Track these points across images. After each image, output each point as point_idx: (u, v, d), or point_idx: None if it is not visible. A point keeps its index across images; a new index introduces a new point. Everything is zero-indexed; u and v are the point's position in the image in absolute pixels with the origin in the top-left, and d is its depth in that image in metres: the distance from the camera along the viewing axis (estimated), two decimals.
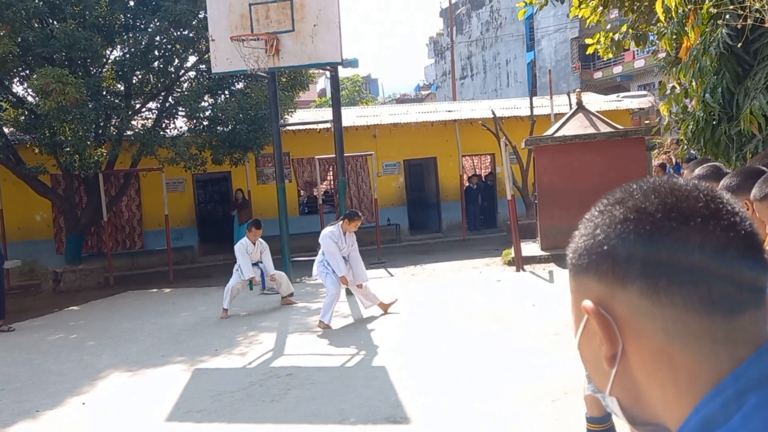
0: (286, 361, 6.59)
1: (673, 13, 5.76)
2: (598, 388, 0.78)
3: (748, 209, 2.40)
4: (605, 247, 0.72)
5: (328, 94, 46.39)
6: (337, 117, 9.90)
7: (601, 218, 0.75)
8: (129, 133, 12.62)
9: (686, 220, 0.70)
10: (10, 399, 5.95)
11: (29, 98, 12.81)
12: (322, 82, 52.15)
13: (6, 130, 12.87)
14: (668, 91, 7.04)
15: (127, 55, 12.40)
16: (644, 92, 23.25)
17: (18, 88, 13.36)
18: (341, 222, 8.01)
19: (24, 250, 14.13)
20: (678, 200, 0.71)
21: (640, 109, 18.86)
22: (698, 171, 3.29)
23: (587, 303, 0.72)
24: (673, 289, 0.68)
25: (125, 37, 12.60)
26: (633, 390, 0.73)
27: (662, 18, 5.98)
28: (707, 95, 5.61)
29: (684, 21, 5.85)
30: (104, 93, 12.54)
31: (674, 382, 0.70)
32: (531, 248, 11.81)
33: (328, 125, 10.76)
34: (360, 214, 8.66)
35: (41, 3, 11.56)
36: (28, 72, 12.28)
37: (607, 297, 0.72)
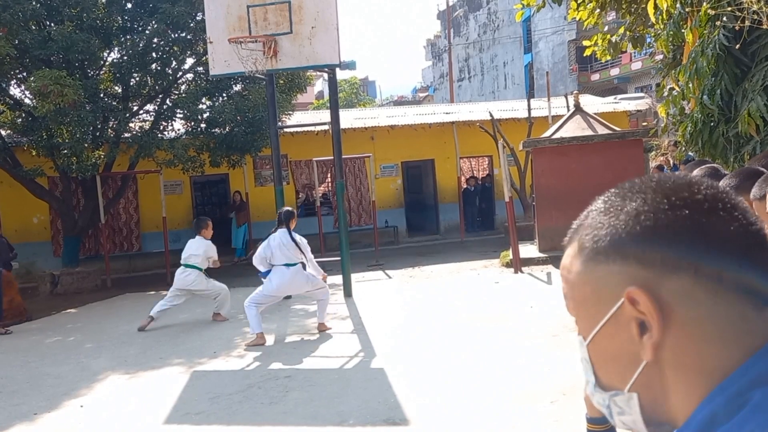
0: (284, 362, 6.58)
1: (663, 14, 5.77)
2: (610, 386, 0.76)
3: None
4: (655, 233, 0.70)
5: (326, 96, 46.39)
6: (335, 119, 9.91)
7: (639, 204, 0.73)
8: (127, 135, 12.59)
9: (731, 210, 0.71)
10: (7, 402, 5.93)
11: (26, 100, 12.78)
12: (320, 84, 52.17)
13: (3, 132, 12.84)
14: (666, 93, 7.05)
15: (125, 58, 12.39)
16: (641, 94, 23.31)
17: (15, 90, 13.33)
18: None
19: (21, 252, 14.04)
20: (716, 191, 0.73)
21: (638, 111, 18.89)
22: (697, 172, 3.29)
23: (634, 289, 0.69)
24: (723, 277, 0.69)
25: (123, 39, 12.58)
26: (656, 385, 0.72)
27: (653, 19, 6.00)
28: (705, 97, 5.62)
29: (681, 23, 5.87)
30: (102, 95, 12.53)
31: (700, 374, 0.69)
32: (529, 250, 11.82)
33: (326, 127, 10.76)
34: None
35: (38, 5, 11.54)
36: (25, 74, 12.26)
37: (652, 283, 0.70)
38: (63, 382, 6.44)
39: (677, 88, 6.41)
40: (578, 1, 8.50)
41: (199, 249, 8.76)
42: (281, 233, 7.45)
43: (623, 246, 0.72)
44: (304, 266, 7.63)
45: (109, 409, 5.61)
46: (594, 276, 0.74)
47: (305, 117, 17.80)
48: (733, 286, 0.68)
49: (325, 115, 14.92)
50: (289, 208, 7.88)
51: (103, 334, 8.60)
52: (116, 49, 12.77)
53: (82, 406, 5.68)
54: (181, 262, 8.81)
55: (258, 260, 7.52)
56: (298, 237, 7.54)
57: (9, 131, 13.07)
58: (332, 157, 10.38)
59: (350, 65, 9.80)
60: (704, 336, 0.69)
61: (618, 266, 0.72)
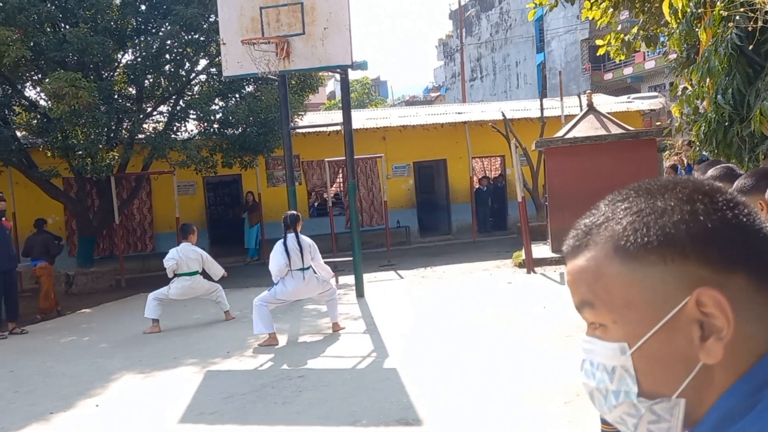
0: (297, 363, 6.60)
1: (680, 14, 5.73)
2: (656, 393, 0.72)
3: (762, 209, 2.41)
4: (713, 233, 0.70)
5: (338, 97, 46.46)
6: (347, 119, 9.92)
7: (684, 205, 0.72)
8: (140, 136, 12.69)
9: (752, 215, 0.73)
10: (24, 402, 5.99)
11: (42, 102, 12.90)
12: (332, 85, 52.29)
13: (19, 133, 12.97)
14: (679, 93, 7.01)
15: (139, 59, 12.48)
16: (655, 93, 23.14)
17: (31, 92, 13.47)
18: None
19: None
20: (731, 196, 0.74)
21: (651, 110, 18.78)
22: (711, 172, 3.27)
23: (705, 290, 0.68)
24: (766, 276, 0.70)
25: (137, 41, 12.69)
26: (704, 388, 0.70)
27: (669, 19, 5.96)
28: (719, 96, 5.58)
29: (694, 22, 5.83)
30: (116, 96, 12.63)
31: (741, 373, 0.69)
32: (542, 250, 11.78)
33: (338, 128, 10.78)
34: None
35: (54, 7, 11.65)
36: (40, 76, 12.38)
37: (715, 283, 0.68)
38: (78, 382, 6.50)
39: (691, 88, 6.37)
40: (591, 1, 8.46)
41: (196, 254, 8.77)
42: (291, 238, 7.46)
43: (681, 245, 0.70)
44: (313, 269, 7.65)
45: (124, 408, 5.65)
46: (643, 277, 0.71)
47: (317, 117, 17.84)
48: None
49: (337, 116, 14.96)
50: (294, 212, 7.87)
51: (117, 334, 8.67)
52: (130, 50, 12.87)
53: (97, 406, 5.73)
54: (181, 272, 8.63)
55: (277, 272, 7.43)
56: (306, 240, 7.56)
57: (25, 133, 13.21)
58: (344, 158, 10.40)
59: (362, 65, 9.80)
60: (751, 335, 0.68)
61: (676, 266, 0.69)
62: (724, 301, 0.67)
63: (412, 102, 51.04)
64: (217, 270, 9.05)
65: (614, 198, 0.78)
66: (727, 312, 0.67)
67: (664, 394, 0.71)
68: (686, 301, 0.68)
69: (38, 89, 12.87)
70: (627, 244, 0.72)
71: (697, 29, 5.75)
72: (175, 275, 8.63)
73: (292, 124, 11.67)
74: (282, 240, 7.45)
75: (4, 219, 9.36)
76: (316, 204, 17.18)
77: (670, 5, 5.58)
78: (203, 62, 13.45)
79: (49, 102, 11.29)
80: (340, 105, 11.29)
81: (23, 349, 8.14)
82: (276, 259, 7.41)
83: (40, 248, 10.47)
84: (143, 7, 12.91)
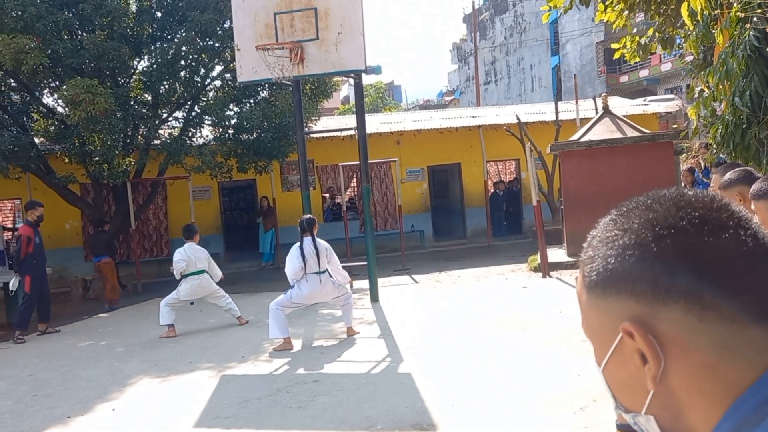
0: (312, 367, 6.61)
1: (699, 16, 5.69)
2: (629, 408, 0.76)
3: (741, 202, 2.39)
4: (642, 266, 0.70)
5: (352, 101, 46.53)
6: (360, 124, 9.94)
7: (628, 237, 0.72)
8: (156, 142, 12.79)
9: (719, 232, 0.69)
10: (42, 405, 6.05)
11: (59, 109, 13.05)
12: (345, 89, 52.39)
13: (37, 140, 13.12)
14: (696, 95, 6.94)
15: (155, 66, 12.59)
16: (671, 96, 22.98)
17: (48, 99, 13.63)
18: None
19: (54, 257, 14.34)
20: (705, 212, 0.71)
21: (668, 112, 18.63)
22: (729, 175, 3.24)
23: (627, 324, 0.70)
24: (720, 303, 0.67)
25: (153, 47, 12.79)
26: (672, 407, 0.72)
27: (688, 22, 5.92)
28: (736, 98, 5.52)
29: (711, 24, 5.78)
30: (132, 103, 12.74)
31: (717, 395, 0.69)
32: (557, 254, 11.71)
33: (352, 132, 10.81)
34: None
35: (71, 15, 11.78)
36: (58, 83, 12.51)
37: (646, 316, 0.70)
38: (95, 386, 6.55)
39: (707, 90, 6.31)
40: (606, 3, 8.42)
41: (201, 253, 8.91)
42: (308, 242, 7.48)
43: (616, 281, 0.72)
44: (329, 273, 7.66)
45: (141, 412, 5.69)
46: (597, 308, 0.75)
47: (331, 122, 17.89)
48: (732, 310, 0.67)
49: (350, 120, 14.98)
50: (311, 216, 7.90)
51: (134, 338, 8.73)
52: (146, 57, 12.98)
53: (114, 410, 5.77)
54: (188, 272, 8.71)
55: (292, 275, 7.47)
56: (322, 243, 7.57)
57: (42, 139, 13.36)
58: (358, 162, 10.41)
59: (376, 70, 9.80)
60: (713, 360, 0.68)
61: (614, 300, 0.73)
62: (640, 334, 0.69)
63: (426, 106, 51.04)
64: (218, 271, 9.19)
65: (603, 219, 0.80)
66: (644, 345, 0.69)
67: (636, 410, 0.75)
68: (621, 335, 0.72)
69: (56, 96, 13.02)
70: (586, 276, 0.77)
71: (713, 31, 5.70)
72: (182, 276, 8.70)
73: (306, 129, 11.71)
74: (298, 244, 7.48)
75: (24, 224, 9.48)
76: (331, 207, 17.21)
77: (689, 7, 5.54)
78: (218, 68, 13.54)
79: (67, 109, 11.42)
80: (354, 109, 11.31)
81: (42, 353, 8.22)
82: (291, 262, 7.44)
83: (104, 246, 11.74)
84: (159, 14, 13.03)
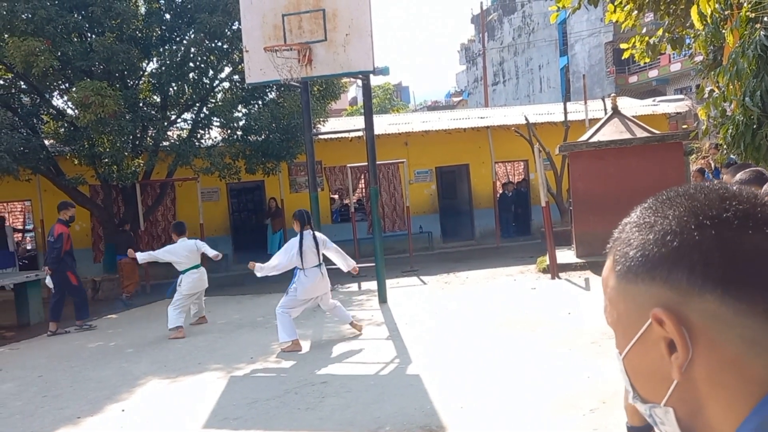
0: (320, 368, 6.61)
1: (708, 18, 5.65)
2: (647, 399, 0.76)
3: None
4: (680, 254, 0.70)
5: (359, 103, 46.55)
6: (368, 125, 9.94)
7: (668, 223, 0.72)
8: (165, 143, 12.84)
9: (763, 228, 0.69)
10: (52, 405, 6.07)
11: (69, 111, 13.13)
12: (353, 91, 52.41)
13: (47, 142, 13.21)
14: (706, 95, 6.90)
15: (163, 68, 12.64)
16: (681, 96, 22.87)
17: (58, 101, 13.72)
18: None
19: None
20: (749, 207, 0.71)
21: (677, 113, 18.53)
22: (740, 176, 3.22)
23: (659, 311, 0.70)
24: (755, 298, 0.67)
25: (161, 49, 12.85)
26: (692, 401, 0.71)
27: (697, 23, 5.88)
28: (747, 98, 5.48)
29: (721, 24, 5.75)
30: (141, 105, 12.80)
31: (742, 391, 0.68)
32: (566, 255, 11.67)
33: (360, 133, 10.80)
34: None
35: (80, 17, 11.85)
36: (67, 85, 12.59)
37: (678, 305, 0.69)
38: (105, 386, 6.57)
39: (717, 90, 6.27)
40: (615, 3, 8.38)
41: (194, 246, 9.18)
42: (309, 235, 7.47)
43: (651, 266, 0.72)
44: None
45: (150, 413, 5.70)
46: (626, 294, 0.75)
47: (339, 123, 17.90)
48: (766, 307, 0.67)
49: (358, 121, 14.98)
50: (304, 209, 7.94)
51: (143, 339, 8.76)
52: (155, 59, 13.04)
53: (123, 410, 5.78)
54: (187, 268, 9.04)
55: (273, 267, 7.47)
56: (320, 236, 7.58)
57: (52, 141, 13.44)
58: (366, 163, 10.41)
59: (384, 71, 9.80)
60: (740, 355, 0.68)
61: (646, 286, 0.72)
62: (671, 321, 0.69)
63: (434, 107, 50.98)
64: (211, 251, 9.38)
65: (638, 207, 0.80)
66: (675, 333, 0.69)
67: (655, 401, 0.74)
68: (650, 321, 0.71)
69: (65, 98, 13.10)
70: (618, 261, 0.76)
71: (723, 31, 5.67)
72: (181, 273, 9.05)
73: (314, 130, 11.72)
74: (298, 238, 7.44)
75: (58, 224, 9.81)
76: (339, 209, 17.22)
77: (698, 9, 5.50)
78: (227, 70, 13.58)
79: (76, 111, 11.48)
80: (362, 111, 11.31)
81: (51, 354, 8.26)
82: (280, 259, 7.44)
83: (126, 245, 11.88)
84: (168, 16, 13.08)
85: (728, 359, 0.68)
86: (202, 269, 9.17)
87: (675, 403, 0.72)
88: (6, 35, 11.04)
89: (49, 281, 9.63)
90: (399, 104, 51.17)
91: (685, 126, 17.89)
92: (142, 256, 9.16)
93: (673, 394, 0.72)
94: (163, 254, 9.04)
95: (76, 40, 12.12)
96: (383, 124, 16.73)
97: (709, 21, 5.65)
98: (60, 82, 12.83)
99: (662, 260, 0.71)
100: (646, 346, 0.73)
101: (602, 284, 0.81)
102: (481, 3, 36.87)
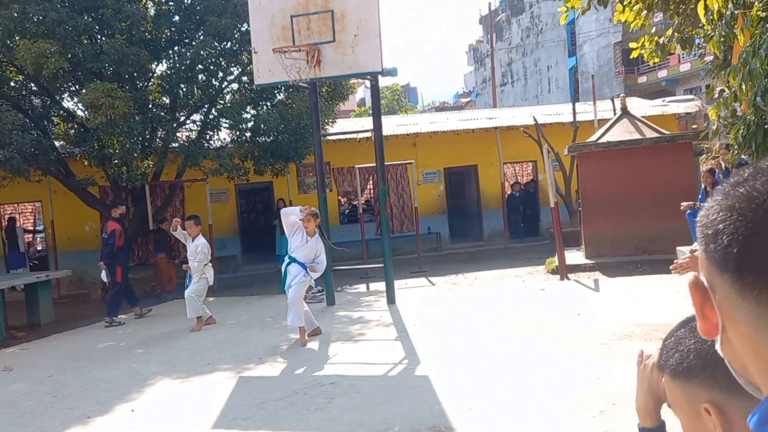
0: (329, 369, 6.61)
1: (715, 15, 5.62)
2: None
3: None
4: (713, 231, 0.74)
5: (368, 104, 46.56)
6: (377, 126, 9.94)
7: (721, 201, 0.75)
8: (174, 144, 12.89)
9: None
10: (62, 406, 6.10)
11: (79, 112, 13.19)
12: (361, 92, 52.45)
13: (57, 143, 13.28)
14: (716, 95, 6.86)
15: (173, 69, 12.69)
16: (691, 96, 22.75)
17: (68, 103, 13.78)
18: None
19: (73, 260, 14.52)
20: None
21: (687, 113, 18.44)
22: None
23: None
24: (759, 287, 0.69)
25: (171, 51, 12.89)
26: (737, 357, 0.77)
27: (704, 20, 5.85)
28: (758, 98, 5.45)
29: (732, 23, 5.71)
30: (150, 106, 12.84)
31: (760, 368, 0.73)
32: (575, 256, 11.63)
33: (369, 134, 10.80)
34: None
35: (90, 19, 11.91)
36: (78, 87, 12.66)
37: (711, 276, 0.75)
38: (115, 387, 6.60)
39: (728, 90, 6.23)
40: (624, 3, 8.34)
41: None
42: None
43: (702, 238, 0.77)
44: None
45: (159, 413, 5.72)
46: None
47: (347, 124, 17.91)
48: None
49: (367, 122, 14.99)
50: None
51: (152, 339, 8.79)
52: (164, 61, 13.09)
53: (133, 410, 5.81)
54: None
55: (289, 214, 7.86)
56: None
57: (62, 142, 13.51)
58: (374, 164, 10.41)
59: (392, 72, 9.80)
60: (760, 337, 0.72)
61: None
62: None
63: (442, 108, 50.93)
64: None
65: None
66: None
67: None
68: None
69: (75, 100, 13.17)
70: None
71: (735, 30, 5.63)
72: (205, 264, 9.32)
73: (322, 131, 11.73)
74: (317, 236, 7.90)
75: (111, 221, 10.52)
76: (346, 211, 17.23)
77: (706, 7, 5.47)
78: (235, 71, 13.61)
79: (86, 112, 11.54)
80: (370, 112, 11.32)
81: (61, 354, 8.30)
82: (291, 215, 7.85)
83: (161, 243, 13.01)
84: (177, 18, 13.12)
85: (744, 336, 0.73)
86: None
87: (726, 355, 0.79)
88: (17, 37, 11.10)
89: (104, 275, 10.27)
90: (407, 105, 51.15)
91: (695, 126, 17.80)
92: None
93: (723, 347, 0.79)
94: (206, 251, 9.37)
95: (86, 41, 12.17)
96: (391, 125, 16.73)
97: (715, 17, 5.61)
98: (70, 83, 12.89)
99: (705, 233, 0.76)
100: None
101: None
102: (490, 3, 36.84)
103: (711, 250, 0.73)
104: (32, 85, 13.03)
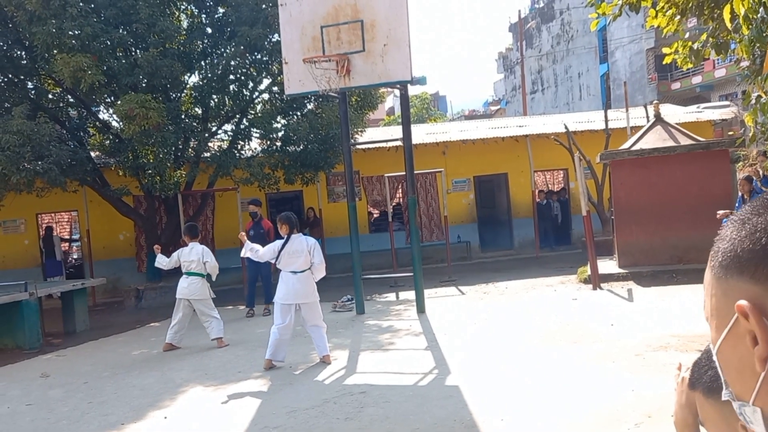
0: (359, 378, 6.60)
1: (741, 20, 5.51)
2: (739, 396, 0.76)
3: None
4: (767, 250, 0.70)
5: (397, 112, 46.63)
6: (406, 135, 9.95)
7: (761, 221, 0.73)
8: (206, 154, 13.06)
9: None
10: (97, 412, 6.19)
11: (114, 123, 13.46)
12: (391, 101, 52.57)
13: (93, 154, 13.56)
14: (753, 101, 6.71)
15: (205, 80, 12.88)
16: (726, 102, 22.33)
17: (104, 114, 14.08)
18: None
19: (108, 268, 14.79)
20: None
21: (723, 120, 18.09)
22: None
23: (743, 302, 0.71)
24: None
25: (203, 62, 13.09)
26: None
27: (729, 26, 5.74)
28: None
29: (764, 27, 5.59)
30: (183, 117, 13.05)
31: None
32: (608, 266, 11.46)
33: (398, 143, 10.81)
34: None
35: (125, 33, 12.16)
36: (113, 99, 12.92)
37: (764, 298, 0.70)
38: (148, 394, 6.68)
39: (765, 96, 6.10)
40: (657, 8, 8.23)
41: (193, 254, 8.94)
42: (295, 239, 7.35)
43: (740, 262, 0.73)
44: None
45: (192, 420, 5.77)
46: (717, 288, 0.77)
47: (377, 133, 17.95)
48: None
49: (396, 131, 15.01)
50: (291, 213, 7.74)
51: (184, 347, 8.87)
52: (197, 72, 13.30)
53: (165, 418, 5.86)
54: (184, 271, 9.01)
55: (252, 252, 7.60)
56: (310, 240, 7.50)
57: (98, 153, 13.79)
58: (404, 173, 10.41)
59: (421, 81, 9.81)
60: None
61: (734, 281, 0.74)
62: (753, 314, 0.70)
63: (471, 116, 50.78)
64: (211, 265, 9.25)
65: (746, 204, 0.83)
66: (756, 326, 0.69)
67: (745, 399, 0.73)
68: (736, 315, 0.72)
69: (111, 111, 13.44)
70: (712, 257, 0.79)
71: (766, 35, 5.51)
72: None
73: (352, 140, 11.78)
74: (284, 240, 7.31)
75: (264, 219, 11.25)
76: (376, 220, 17.24)
77: (732, 11, 5.36)
78: (266, 81, 13.77)
79: (121, 123, 11.77)
80: (400, 120, 11.33)
81: (96, 362, 8.43)
82: (267, 249, 7.49)
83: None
84: (209, 30, 13.33)
85: None
86: (193, 278, 8.92)
87: (764, 403, 0.71)
88: (55, 51, 11.37)
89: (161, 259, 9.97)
90: (436, 114, 51.11)
91: (731, 133, 17.45)
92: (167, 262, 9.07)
93: (761, 391, 0.71)
94: (215, 269, 9.02)
95: (120, 55, 12.43)
96: (421, 134, 16.72)
97: (741, 21, 5.50)
98: (106, 95, 13.18)
99: (751, 256, 0.72)
100: (735, 340, 0.74)
101: (704, 283, 0.83)
102: (519, 11, 36.70)
103: (763, 272, 0.70)
104: (69, 97, 13.33)
